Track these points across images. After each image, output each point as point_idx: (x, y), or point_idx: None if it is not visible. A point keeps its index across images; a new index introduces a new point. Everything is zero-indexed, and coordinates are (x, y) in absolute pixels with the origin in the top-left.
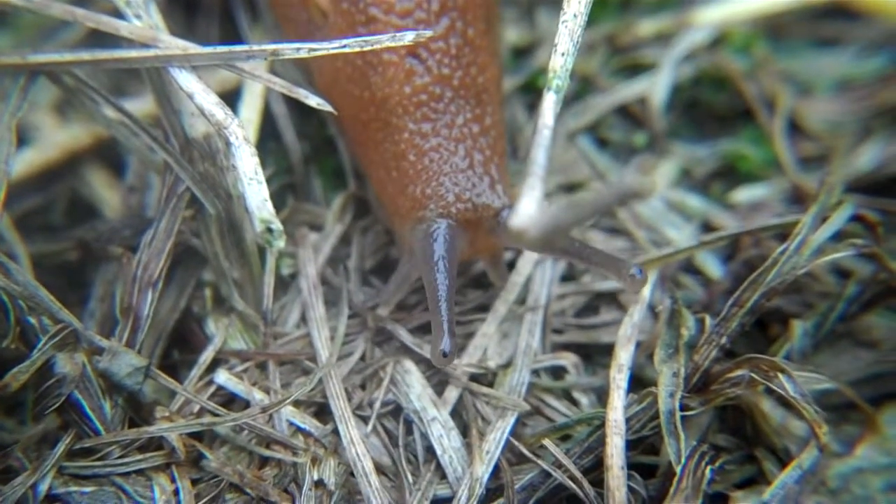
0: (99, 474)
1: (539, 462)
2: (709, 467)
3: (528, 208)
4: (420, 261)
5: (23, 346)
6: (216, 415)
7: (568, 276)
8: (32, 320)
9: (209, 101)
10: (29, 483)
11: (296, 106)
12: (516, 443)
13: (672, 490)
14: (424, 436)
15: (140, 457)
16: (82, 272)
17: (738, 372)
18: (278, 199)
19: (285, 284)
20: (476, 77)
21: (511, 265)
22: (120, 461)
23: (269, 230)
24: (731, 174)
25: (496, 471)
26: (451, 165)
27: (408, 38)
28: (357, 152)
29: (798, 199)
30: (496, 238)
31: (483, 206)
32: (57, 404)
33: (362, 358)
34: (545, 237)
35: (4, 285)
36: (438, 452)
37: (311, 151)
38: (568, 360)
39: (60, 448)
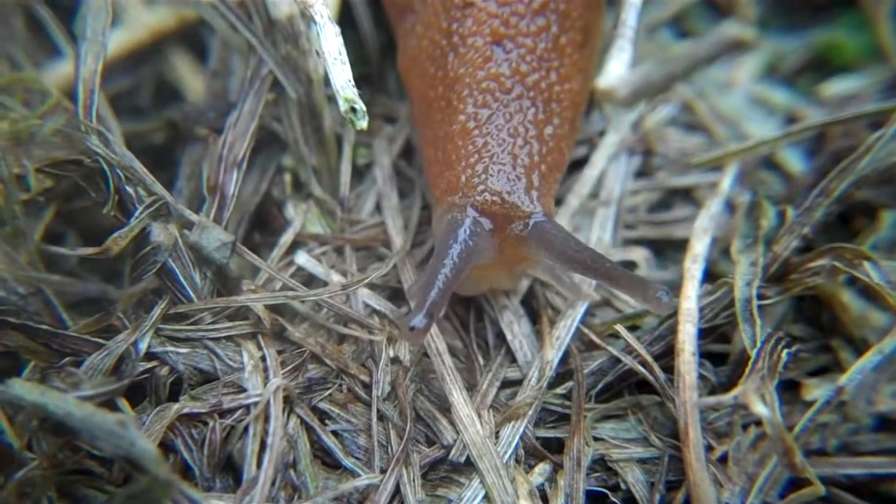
0: (192, 338)
1: (609, 348)
2: (785, 350)
3: (617, 69)
4: (438, 243)
5: (120, 215)
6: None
7: (642, 172)
8: (129, 190)
9: None
10: (130, 340)
11: None
12: (586, 330)
13: (748, 370)
14: (494, 322)
15: (230, 324)
16: (169, 154)
17: (820, 261)
18: None
19: (361, 174)
20: (553, 84)
21: (584, 160)
22: (211, 327)
23: (353, 109)
24: (821, 67)
25: (566, 356)
26: (493, 157)
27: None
28: (417, 131)
29: None
30: (525, 248)
31: (511, 204)
32: (153, 270)
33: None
34: (635, 96)
35: (104, 154)
36: (508, 338)
37: (388, 42)
38: (639, 254)
39: (157, 311)
